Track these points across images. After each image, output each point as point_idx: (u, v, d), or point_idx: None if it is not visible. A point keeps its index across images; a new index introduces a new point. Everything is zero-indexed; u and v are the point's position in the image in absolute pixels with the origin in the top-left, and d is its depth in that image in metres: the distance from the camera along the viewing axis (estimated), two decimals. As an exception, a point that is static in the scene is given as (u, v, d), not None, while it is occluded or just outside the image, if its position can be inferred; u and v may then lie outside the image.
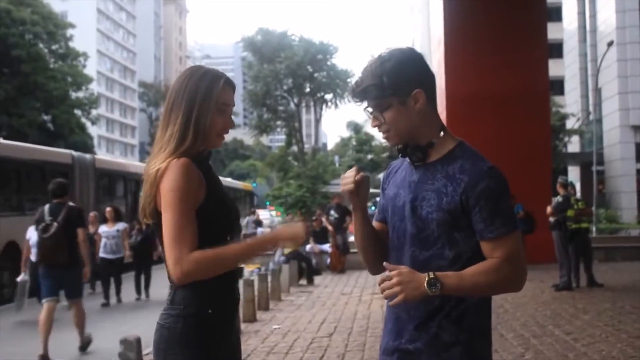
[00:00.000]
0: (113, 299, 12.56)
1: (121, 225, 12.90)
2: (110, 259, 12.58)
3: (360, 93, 2.22)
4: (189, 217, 2.17)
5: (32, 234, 9.65)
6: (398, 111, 2.18)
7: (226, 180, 42.65)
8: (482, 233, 2.13)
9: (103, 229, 12.82)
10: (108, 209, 13.13)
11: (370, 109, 2.24)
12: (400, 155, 2.31)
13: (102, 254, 12.60)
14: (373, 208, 49.72)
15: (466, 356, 2.14)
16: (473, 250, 2.16)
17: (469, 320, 2.16)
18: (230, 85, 2.38)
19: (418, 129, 2.22)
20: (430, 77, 2.25)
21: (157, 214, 2.25)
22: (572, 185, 12.41)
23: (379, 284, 2.07)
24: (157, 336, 2.28)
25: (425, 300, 2.13)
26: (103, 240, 12.60)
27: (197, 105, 2.29)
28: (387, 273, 2.07)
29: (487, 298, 2.22)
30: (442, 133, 2.25)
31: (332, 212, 17.44)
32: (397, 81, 2.16)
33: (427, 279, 2.04)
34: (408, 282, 2.03)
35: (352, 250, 16.94)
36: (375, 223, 2.44)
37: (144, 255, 13.28)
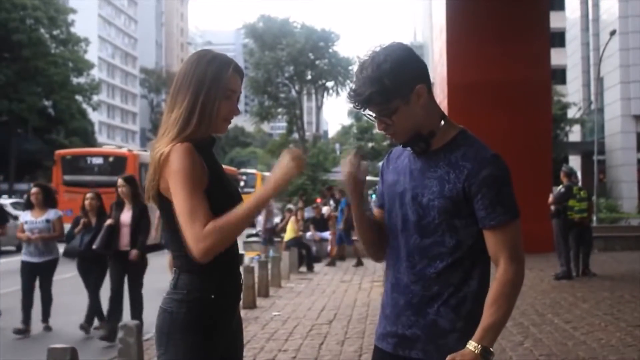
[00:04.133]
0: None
1: (53, 214, 8.51)
2: (36, 263, 8.36)
3: (363, 102, 2.17)
4: (200, 195, 2.16)
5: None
6: (404, 111, 2.17)
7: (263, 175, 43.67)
8: (483, 221, 2.14)
9: (26, 217, 8.54)
10: (34, 189, 8.66)
11: (372, 114, 2.21)
12: (402, 146, 2.31)
13: (24, 255, 8.48)
14: (373, 196, 49.80)
15: (462, 343, 2.14)
16: (474, 238, 2.17)
17: (466, 308, 2.18)
18: (238, 71, 2.35)
19: (422, 122, 2.21)
20: (425, 68, 2.24)
21: (159, 198, 2.26)
22: (575, 175, 12.37)
23: None
24: (160, 321, 2.28)
25: (423, 286, 2.16)
26: (27, 235, 8.35)
27: (204, 90, 2.26)
28: None
29: (485, 287, 2.21)
30: (442, 122, 2.25)
31: (332, 203, 18.44)
32: (399, 82, 2.13)
33: (478, 351, 2.06)
34: None
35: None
36: (375, 210, 2.45)
37: (97, 264, 8.18)
